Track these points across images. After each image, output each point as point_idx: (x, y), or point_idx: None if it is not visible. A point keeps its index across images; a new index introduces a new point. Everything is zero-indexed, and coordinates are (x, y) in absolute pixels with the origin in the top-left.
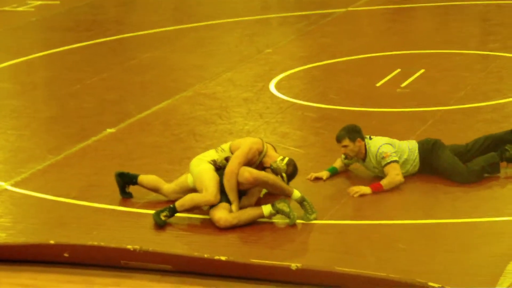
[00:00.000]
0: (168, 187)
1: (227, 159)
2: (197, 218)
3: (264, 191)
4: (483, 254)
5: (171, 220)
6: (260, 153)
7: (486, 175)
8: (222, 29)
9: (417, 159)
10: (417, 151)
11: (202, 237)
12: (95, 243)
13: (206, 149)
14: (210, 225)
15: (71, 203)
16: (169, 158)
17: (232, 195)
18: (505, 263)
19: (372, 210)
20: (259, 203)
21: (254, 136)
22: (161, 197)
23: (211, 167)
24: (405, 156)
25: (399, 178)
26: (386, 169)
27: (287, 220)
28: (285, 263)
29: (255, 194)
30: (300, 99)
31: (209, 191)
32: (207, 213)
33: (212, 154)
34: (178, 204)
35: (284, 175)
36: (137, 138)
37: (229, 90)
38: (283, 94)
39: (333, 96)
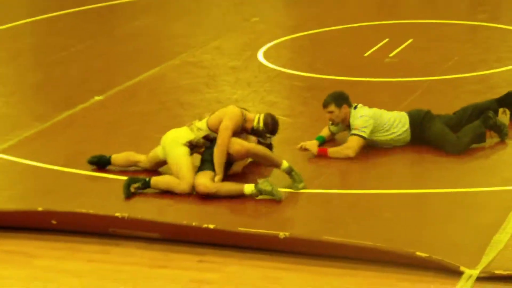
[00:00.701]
0: (143, 158)
1: (206, 137)
2: None
3: (249, 159)
4: (470, 224)
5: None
6: (242, 120)
7: (473, 145)
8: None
9: (408, 131)
10: (407, 123)
11: (190, 206)
12: (83, 211)
13: (193, 117)
14: (199, 194)
15: (59, 171)
16: (156, 127)
17: (219, 168)
18: (491, 234)
19: (358, 180)
20: (244, 171)
21: (237, 106)
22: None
23: (186, 151)
24: (393, 130)
25: (348, 152)
26: (348, 138)
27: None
28: (273, 232)
29: (242, 162)
30: (288, 68)
31: (186, 181)
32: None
33: (187, 134)
34: (153, 181)
35: (267, 135)
36: (124, 106)
37: (216, 59)
38: (271, 63)
39: (321, 66)
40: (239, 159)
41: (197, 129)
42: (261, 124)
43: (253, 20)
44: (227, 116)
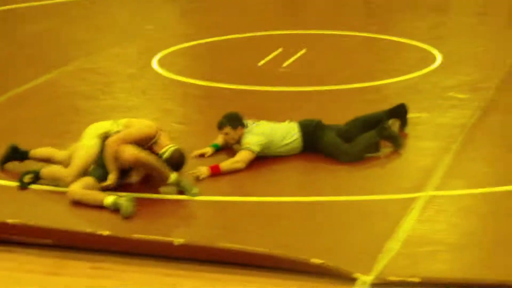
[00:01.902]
0: (62, 154)
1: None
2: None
3: None
4: (363, 232)
5: (53, 194)
6: (151, 139)
7: (367, 155)
8: (106, 5)
9: (299, 140)
10: (298, 133)
11: (85, 211)
12: None
13: (88, 124)
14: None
15: None
16: (50, 133)
17: (109, 165)
18: (384, 241)
19: (254, 187)
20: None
21: (147, 118)
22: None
23: (96, 143)
24: (285, 142)
25: (239, 165)
26: (238, 152)
27: (159, 196)
28: (168, 239)
29: (141, 170)
30: (183, 76)
31: (71, 170)
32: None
33: (108, 126)
34: (42, 172)
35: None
36: (17, 112)
37: (113, 66)
38: (167, 70)
39: (216, 74)
40: (130, 167)
41: (117, 124)
42: (167, 155)
43: (149, 28)
44: (134, 127)
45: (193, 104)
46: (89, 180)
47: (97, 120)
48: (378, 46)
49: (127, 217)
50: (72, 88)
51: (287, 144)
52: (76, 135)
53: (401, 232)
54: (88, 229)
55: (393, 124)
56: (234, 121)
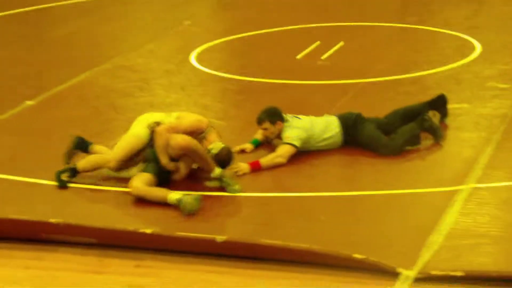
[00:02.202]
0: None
1: None
2: (121, 190)
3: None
4: (405, 226)
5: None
6: (200, 132)
7: (408, 147)
8: (141, 1)
9: (339, 134)
10: (338, 127)
11: (127, 210)
12: (16, 217)
13: (127, 121)
14: (135, 198)
15: None
16: (89, 131)
17: (161, 154)
18: (426, 234)
19: (293, 183)
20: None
21: (199, 114)
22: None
23: (144, 133)
24: (325, 136)
25: (280, 160)
26: (280, 146)
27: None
28: (210, 236)
29: (185, 165)
30: (221, 72)
31: (115, 155)
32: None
33: (160, 117)
34: (79, 165)
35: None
36: (56, 112)
37: (149, 62)
38: (204, 66)
39: (254, 68)
40: (178, 154)
41: (169, 117)
42: (215, 151)
43: (186, 24)
44: (186, 120)
45: (231, 99)
46: (149, 176)
47: (136, 117)
48: (415, 37)
49: (189, 215)
50: (109, 86)
51: (327, 139)
52: (114, 134)
53: (444, 225)
54: (131, 227)
55: (434, 116)
56: (273, 116)
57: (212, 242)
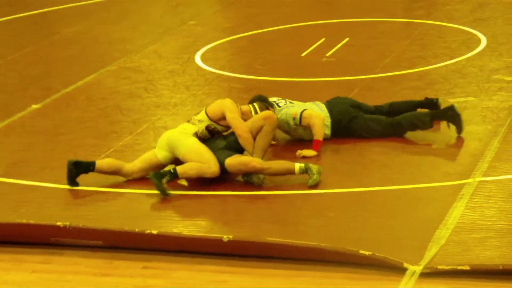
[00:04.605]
0: (132, 166)
1: (208, 128)
2: (127, 192)
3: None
4: (411, 220)
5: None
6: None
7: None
8: (145, 1)
9: (328, 119)
10: (325, 109)
11: (132, 211)
12: (24, 221)
13: (133, 122)
14: (140, 199)
15: None
16: (95, 133)
17: (260, 152)
18: (433, 229)
19: (299, 180)
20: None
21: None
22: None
23: (197, 140)
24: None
25: (318, 119)
26: (304, 122)
27: (207, 192)
28: (217, 235)
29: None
30: (226, 71)
31: (213, 163)
32: (137, 187)
33: (190, 127)
34: (179, 170)
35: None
36: (63, 113)
37: (154, 63)
38: (209, 65)
39: (259, 67)
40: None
41: (198, 121)
42: (259, 111)
43: (191, 23)
44: (228, 109)
45: (237, 98)
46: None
47: (142, 119)
48: (420, 31)
49: (312, 185)
50: (115, 87)
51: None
52: (120, 135)
53: (450, 219)
54: (137, 229)
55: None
56: (262, 101)
57: (219, 241)
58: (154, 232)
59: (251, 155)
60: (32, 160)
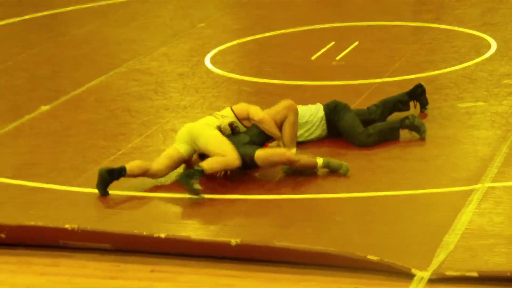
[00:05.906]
0: (157, 164)
1: (231, 125)
2: (135, 195)
3: None
4: (419, 226)
5: (109, 197)
6: None
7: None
8: (154, 3)
9: (324, 121)
10: (322, 112)
11: (140, 215)
12: (32, 223)
13: (142, 124)
14: (148, 202)
15: (6, 183)
16: (104, 135)
17: (291, 143)
18: (441, 234)
19: (308, 185)
20: None
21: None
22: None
23: (219, 132)
24: (305, 119)
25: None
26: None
27: (214, 196)
28: (225, 239)
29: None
30: (235, 73)
31: (235, 155)
32: (144, 190)
33: (213, 120)
34: (206, 166)
35: None
36: (72, 115)
37: (164, 65)
38: (219, 68)
39: (268, 70)
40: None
41: (221, 116)
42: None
43: (200, 26)
44: (252, 107)
45: (246, 101)
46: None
47: (151, 121)
48: (429, 35)
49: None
50: (124, 89)
51: (309, 122)
52: (129, 137)
53: (459, 225)
54: (145, 232)
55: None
56: None
57: (227, 245)
58: (162, 235)
59: (278, 140)
60: (41, 162)
